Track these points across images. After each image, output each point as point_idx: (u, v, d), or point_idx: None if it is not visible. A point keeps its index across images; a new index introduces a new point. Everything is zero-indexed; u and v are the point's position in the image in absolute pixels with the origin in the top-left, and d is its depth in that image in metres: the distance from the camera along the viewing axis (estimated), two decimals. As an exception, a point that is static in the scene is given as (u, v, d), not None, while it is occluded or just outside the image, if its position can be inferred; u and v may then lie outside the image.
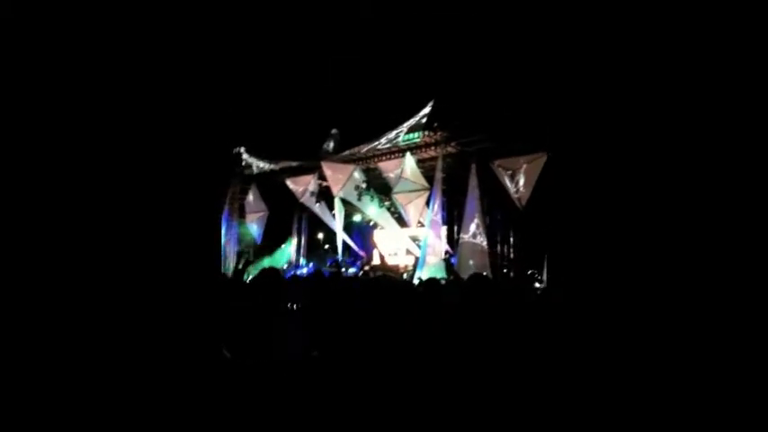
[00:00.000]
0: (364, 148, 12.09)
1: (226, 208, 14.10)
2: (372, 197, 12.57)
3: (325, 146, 13.03)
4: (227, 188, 14.22)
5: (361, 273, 12.38)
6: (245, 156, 14.01)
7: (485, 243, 10.03)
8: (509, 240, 10.96)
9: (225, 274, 6.38)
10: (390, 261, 13.14)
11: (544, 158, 9.28)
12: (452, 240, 11.29)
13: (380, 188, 12.45)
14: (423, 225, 11.52)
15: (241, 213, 14.02)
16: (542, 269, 9.17)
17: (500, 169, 10.17)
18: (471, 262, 9.89)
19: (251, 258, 13.23)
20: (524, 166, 9.68)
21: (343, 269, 12.68)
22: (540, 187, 9.45)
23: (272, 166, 13.58)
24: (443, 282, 8.45)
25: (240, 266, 11.37)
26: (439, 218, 10.98)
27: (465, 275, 8.80)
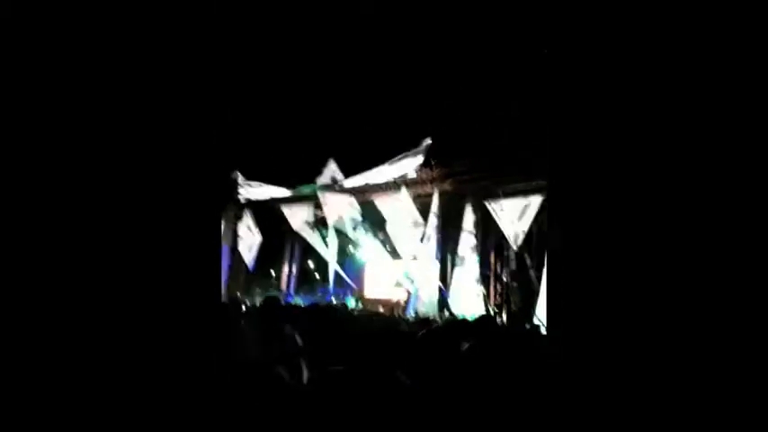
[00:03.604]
0: (361, 180, 12.26)
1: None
2: (367, 230, 12.64)
3: (322, 176, 13.15)
4: (221, 213, 14.24)
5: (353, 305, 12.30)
6: (241, 182, 14.08)
7: (479, 282, 10.12)
8: (502, 279, 11.02)
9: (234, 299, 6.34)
10: (377, 295, 13.09)
11: (540, 200, 9.46)
12: (445, 277, 11.33)
13: (375, 221, 12.53)
14: (416, 260, 11.57)
15: (234, 239, 14.00)
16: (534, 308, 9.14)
17: (495, 209, 10.34)
18: (464, 299, 9.92)
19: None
20: (520, 207, 9.86)
21: (334, 300, 12.61)
22: (535, 228, 9.61)
23: (270, 195, 13.66)
24: (434, 318, 8.45)
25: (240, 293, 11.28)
26: (433, 254, 11.06)
27: (458, 311, 8.82)
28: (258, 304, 6.50)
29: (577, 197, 1.31)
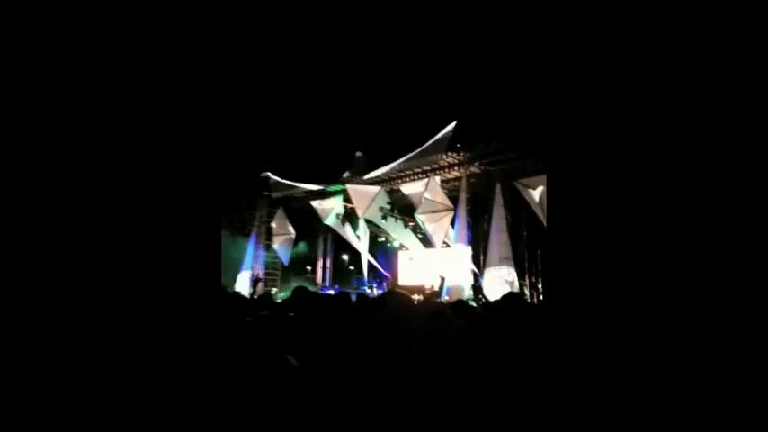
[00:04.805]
0: (387, 170, 12.27)
1: (253, 231, 14.42)
2: (396, 218, 12.67)
3: (349, 169, 13.24)
4: (253, 212, 14.57)
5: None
6: (272, 180, 14.33)
7: (512, 265, 10.01)
8: (536, 261, 10.86)
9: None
10: (411, 282, 13.13)
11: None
12: (478, 260, 11.25)
13: (404, 209, 12.55)
14: (447, 245, 11.53)
15: (268, 237, 14.32)
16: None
17: (524, 188, 10.18)
18: (498, 285, 9.84)
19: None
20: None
21: (369, 290, 12.72)
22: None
23: (298, 191, 13.85)
24: (471, 303, 8.41)
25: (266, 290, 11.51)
26: (464, 238, 11.00)
27: (492, 297, 8.76)
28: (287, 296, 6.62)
29: (578, 187, 1.30)
